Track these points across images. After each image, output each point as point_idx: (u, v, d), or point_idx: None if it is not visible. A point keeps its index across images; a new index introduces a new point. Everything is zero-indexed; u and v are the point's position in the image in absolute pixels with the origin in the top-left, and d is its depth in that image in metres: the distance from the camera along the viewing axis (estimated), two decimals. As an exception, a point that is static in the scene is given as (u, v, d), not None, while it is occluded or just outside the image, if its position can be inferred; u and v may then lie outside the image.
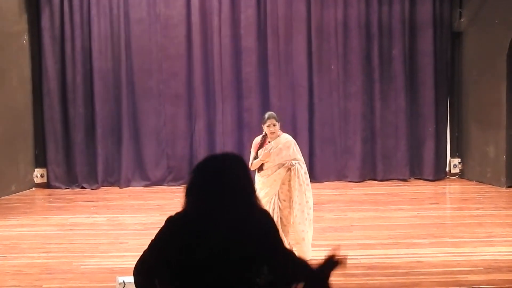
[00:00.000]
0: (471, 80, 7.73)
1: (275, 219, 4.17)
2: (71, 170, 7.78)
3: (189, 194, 2.33)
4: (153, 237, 2.34)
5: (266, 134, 4.51)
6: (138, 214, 6.18)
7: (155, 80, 7.81)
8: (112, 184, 7.81)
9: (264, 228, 2.34)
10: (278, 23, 7.77)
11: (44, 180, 7.80)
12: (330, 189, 7.31)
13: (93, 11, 7.63)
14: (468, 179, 7.82)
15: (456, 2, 7.87)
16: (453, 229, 5.47)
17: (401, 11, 7.79)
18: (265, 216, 2.39)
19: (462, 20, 7.84)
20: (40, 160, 7.83)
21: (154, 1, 7.74)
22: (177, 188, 7.56)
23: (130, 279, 3.58)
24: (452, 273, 4.20)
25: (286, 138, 4.53)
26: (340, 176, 7.86)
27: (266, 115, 4.53)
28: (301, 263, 2.39)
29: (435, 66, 7.85)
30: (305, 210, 4.42)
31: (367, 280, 4.09)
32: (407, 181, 7.81)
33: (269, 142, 4.50)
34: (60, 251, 4.91)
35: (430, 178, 7.85)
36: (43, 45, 7.66)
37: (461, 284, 3.99)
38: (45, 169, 7.79)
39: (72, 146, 7.75)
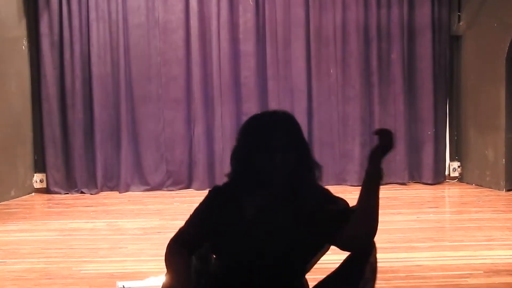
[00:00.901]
0: (470, 84, 7.75)
1: None
2: (70, 175, 7.77)
3: (234, 158, 2.16)
4: (189, 215, 2.19)
5: None
6: (137, 219, 6.18)
7: (154, 84, 7.81)
8: (111, 189, 7.81)
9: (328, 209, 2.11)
10: (276, 27, 7.79)
11: (44, 185, 7.79)
12: (329, 193, 7.29)
13: (92, 16, 7.64)
14: (467, 183, 7.82)
15: (455, 5, 7.89)
16: (453, 233, 5.46)
17: (400, 15, 7.80)
18: (328, 194, 2.16)
19: (460, 23, 7.85)
20: (39, 165, 7.83)
21: (153, 6, 7.75)
22: (176, 193, 7.56)
23: (130, 284, 3.59)
24: (451, 276, 4.20)
25: None
26: (339, 180, 7.86)
27: None
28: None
29: (434, 70, 7.86)
30: None
31: (367, 284, 4.08)
32: (406, 185, 7.82)
33: None
34: (60, 256, 4.90)
35: (429, 182, 7.85)
36: (41, 50, 7.66)
37: (460, 287, 3.99)
38: (44, 174, 7.79)
39: (71, 151, 7.75)
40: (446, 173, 8.04)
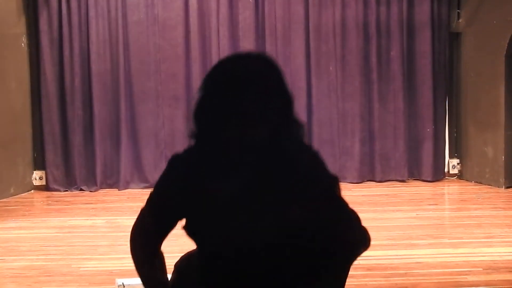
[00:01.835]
0: (470, 81, 7.74)
1: None
2: (69, 173, 7.77)
3: (198, 117, 1.76)
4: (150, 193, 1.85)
5: None
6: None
7: (153, 81, 7.80)
8: (110, 186, 7.80)
9: (313, 172, 1.75)
10: (276, 24, 7.78)
11: (43, 182, 7.79)
12: (329, 190, 7.29)
13: (91, 13, 7.62)
14: (466, 180, 7.82)
15: (454, 2, 7.88)
16: (452, 230, 5.47)
17: (399, 12, 7.79)
18: (313, 154, 1.77)
19: (460, 20, 7.85)
20: (39, 163, 7.82)
21: (152, 2, 7.74)
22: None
23: (129, 281, 3.59)
24: (451, 273, 4.20)
25: None
26: (339, 177, 7.80)
27: None
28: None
29: (433, 67, 7.85)
30: None
31: (366, 281, 4.09)
32: (405, 182, 7.81)
33: None
34: (59, 253, 4.91)
35: (429, 179, 7.85)
36: (41, 47, 7.65)
37: (460, 284, 4.00)
38: (43, 172, 7.78)
39: (71, 148, 7.74)
40: (446, 170, 8.04)
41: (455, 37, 7.95)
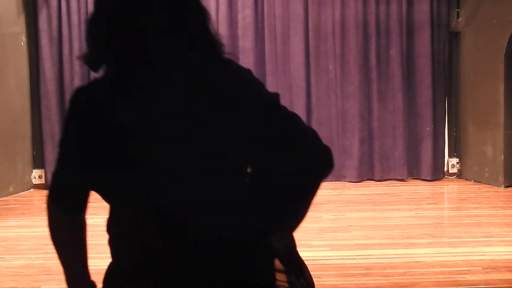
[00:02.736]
0: (469, 80, 7.74)
1: None
2: (69, 171, 7.75)
3: (88, 35, 1.47)
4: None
5: None
6: (136, 215, 6.17)
7: (152, 80, 7.79)
8: (110, 185, 7.79)
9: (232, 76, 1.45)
10: (275, 23, 7.78)
11: (42, 181, 7.79)
12: (328, 190, 7.31)
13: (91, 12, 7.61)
14: (466, 179, 7.82)
15: (454, 2, 7.87)
16: (451, 229, 5.47)
17: (399, 11, 7.79)
18: (242, 67, 1.50)
19: (459, 20, 7.85)
20: (38, 161, 7.82)
21: (152, 2, 7.73)
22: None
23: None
24: (450, 273, 4.20)
25: None
26: (338, 176, 7.84)
27: None
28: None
29: (433, 66, 7.85)
30: None
31: (366, 280, 4.09)
32: (405, 181, 7.81)
33: None
34: (58, 252, 4.91)
35: (428, 178, 7.85)
36: (40, 46, 7.65)
37: (459, 284, 4.00)
38: (43, 170, 7.78)
39: (70, 147, 7.72)
40: (445, 169, 8.04)
41: (454, 36, 7.95)
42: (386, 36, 7.84)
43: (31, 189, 7.76)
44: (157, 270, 1.42)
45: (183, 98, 1.35)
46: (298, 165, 1.44)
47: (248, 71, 1.48)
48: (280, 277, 1.45)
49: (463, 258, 4.55)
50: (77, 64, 7.67)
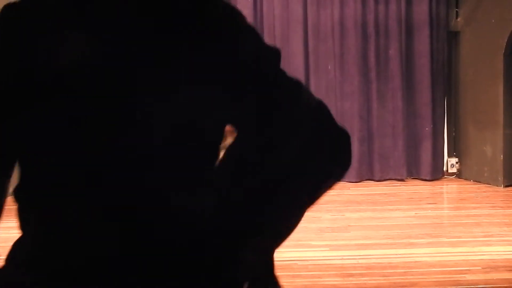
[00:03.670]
0: (468, 80, 7.74)
1: None
2: (68, 172, 7.75)
3: None
4: None
5: None
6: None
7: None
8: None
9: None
10: (274, 23, 7.78)
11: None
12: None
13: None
14: (465, 179, 7.82)
15: (453, 1, 7.88)
16: (451, 229, 5.47)
17: (398, 11, 7.79)
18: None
19: (458, 19, 7.85)
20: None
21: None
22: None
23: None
24: (449, 272, 4.20)
25: None
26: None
27: None
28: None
29: (432, 66, 7.85)
30: None
31: (365, 280, 4.09)
32: (404, 181, 7.82)
33: None
34: (58, 253, 4.90)
35: (428, 178, 7.85)
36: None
37: (459, 283, 3.99)
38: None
39: (69, 147, 7.73)
40: (444, 169, 8.04)
41: (453, 36, 7.96)
42: (385, 36, 7.84)
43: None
44: (86, 260, 1.04)
45: (156, 32, 0.99)
46: (300, 154, 1.02)
47: (241, 14, 1.11)
48: None
49: (463, 257, 4.55)
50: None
